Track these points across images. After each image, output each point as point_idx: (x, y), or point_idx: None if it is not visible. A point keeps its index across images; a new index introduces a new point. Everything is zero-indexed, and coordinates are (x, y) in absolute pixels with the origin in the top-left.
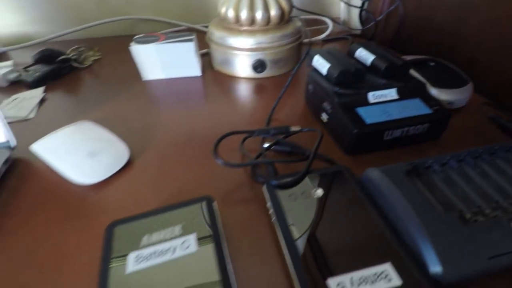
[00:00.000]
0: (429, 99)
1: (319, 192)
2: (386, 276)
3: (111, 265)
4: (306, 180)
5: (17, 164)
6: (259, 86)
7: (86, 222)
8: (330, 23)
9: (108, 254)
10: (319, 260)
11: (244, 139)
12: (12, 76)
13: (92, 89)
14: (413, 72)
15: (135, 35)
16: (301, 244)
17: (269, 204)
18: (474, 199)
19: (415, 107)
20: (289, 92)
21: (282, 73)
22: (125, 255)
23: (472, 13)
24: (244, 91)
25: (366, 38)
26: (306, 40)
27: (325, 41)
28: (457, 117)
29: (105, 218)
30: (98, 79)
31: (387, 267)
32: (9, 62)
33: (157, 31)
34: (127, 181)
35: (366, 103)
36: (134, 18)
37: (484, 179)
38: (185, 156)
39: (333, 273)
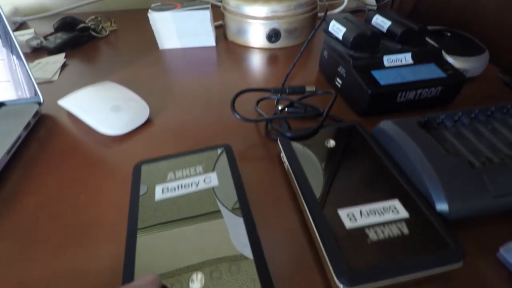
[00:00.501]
0: (443, 64)
1: (332, 143)
2: (394, 210)
3: (140, 195)
4: (319, 135)
5: (44, 118)
6: (273, 57)
7: (112, 166)
8: None
9: (137, 187)
10: (331, 198)
11: (259, 101)
12: (35, 42)
13: (111, 56)
14: (429, 40)
15: (148, 8)
16: (313, 185)
17: (283, 154)
18: (483, 151)
19: (430, 71)
20: (303, 62)
21: (296, 44)
22: (153, 187)
23: None
24: (258, 61)
25: None
26: (321, 14)
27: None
28: (471, 84)
29: (130, 163)
30: (116, 47)
31: (395, 202)
32: (30, 30)
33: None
34: (148, 135)
35: (381, 66)
36: None
37: (494, 135)
38: (202, 115)
39: (343, 207)
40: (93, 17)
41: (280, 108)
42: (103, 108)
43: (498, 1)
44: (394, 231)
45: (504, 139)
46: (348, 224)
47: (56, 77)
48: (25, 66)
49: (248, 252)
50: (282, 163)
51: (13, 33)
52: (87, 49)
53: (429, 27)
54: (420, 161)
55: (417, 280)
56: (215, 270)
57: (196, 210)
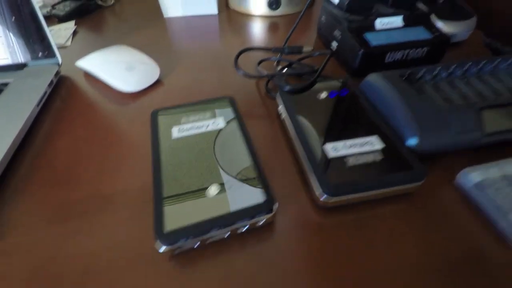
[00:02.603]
0: (431, 27)
1: (324, 94)
2: (372, 143)
3: (159, 135)
4: (314, 89)
5: (63, 79)
6: (274, 24)
7: (130, 116)
8: None
9: (156, 129)
10: (319, 136)
11: (260, 62)
12: (44, 11)
13: (117, 24)
14: (421, 6)
15: None
16: (305, 128)
17: (281, 106)
18: (455, 99)
19: (418, 33)
20: (303, 27)
21: (297, 11)
22: (170, 129)
23: None
24: (258, 28)
25: None
26: None
27: None
28: (458, 47)
29: (146, 114)
30: (121, 16)
31: (374, 138)
32: None
33: None
34: (159, 92)
35: (373, 29)
36: None
37: (467, 86)
38: (206, 76)
39: (329, 141)
40: None
41: (279, 68)
42: (119, 67)
43: None
44: (369, 158)
45: (475, 89)
46: (332, 154)
47: (69, 43)
48: (44, 29)
49: (252, 170)
50: (279, 117)
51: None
52: (95, 17)
53: None
54: (398, 104)
55: (387, 195)
56: (227, 183)
57: (208, 144)
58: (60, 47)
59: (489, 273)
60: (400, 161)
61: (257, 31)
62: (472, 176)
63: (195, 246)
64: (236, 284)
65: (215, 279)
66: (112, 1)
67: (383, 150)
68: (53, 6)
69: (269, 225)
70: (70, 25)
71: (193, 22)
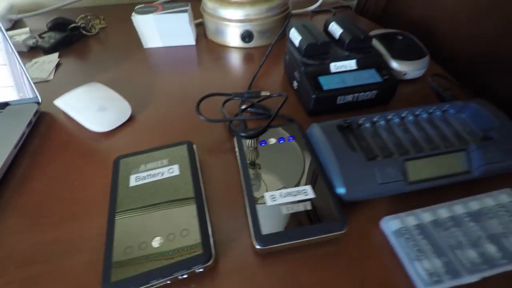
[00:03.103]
0: (382, 69)
1: (273, 141)
2: (305, 192)
3: (118, 182)
4: (268, 132)
5: (43, 116)
6: (248, 55)
7: (100, 157)
8: None
9: (116, 176)
10: (262, 184)
11: (225, 102)
12: (31, 42)
13: (100, 55)
14: (378, 45)
15: (136, 3)
16: (251, 174)
17: (236, 150)
18: (389, 147)
19: (369, 76)
20: (274, 61)
21: (269, 43)
22: (128, 176)
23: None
24: (233, 59)
25: (359, 10)
26: (296, 11)
27: (314, 12)
28: (410, 86)
29: (114, 155)
30: (104, 46)
31: (307, 188)
32: (26, 29)
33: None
34: (130, 131)
35: (328, 72)
36: None
37: (404, 133)
38: (178, 113)
39: (270, 190)
40: (83, 15)
41: (243, 108)
42: (91, 108)
43: (453, 4)
44: (301, 207)
45: (410, 136)
46: (270, 202)
47: (51, 77)
48: (23, 70)
49: (195, 222)
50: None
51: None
52: (79, 47)
53: (384, 31)
54: (330, 156)
55: (315, 242)
56: (171, 234)
57: (161, 194)
58: (43, 81)
59: None
60: (326, 211)
61: (232, 61)
62: (391, 224)
63: None
64: None
65: None
66: (97, 30)
67: (313, 200)
68: (40, 35)
69: (211, 270)
70: (54, 58)
71: (172, 52)
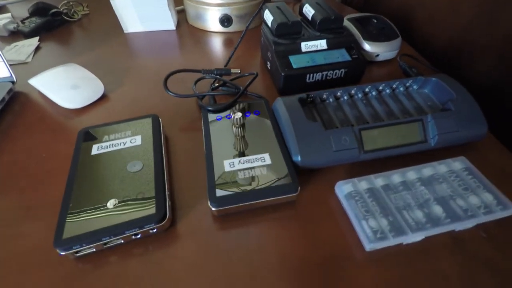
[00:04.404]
0: (352, 49)
1: (239, 115)
2: (262, 159)
3: (80, 152)
4: (235, 108)
5: (18, 95)
6: (227, 40)
7: (69, 133)
8: None
9: (79, 146)
10: (223, 153)
11: (197, 81)
12: (11, 26)
13: (81, 39)
14: (352, 28)
15: None
16: (214, 144)
17: (202, 123)
18: (350, 119)
19: (339, 56)
20: (253, 45)
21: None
22: (91, 146)
23: None
24: (213, 43)
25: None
26: None
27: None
28: (382, 67)
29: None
30: (86, 31)
31: (265, 155)
32: (7, 14)
33: None
34: (102, 108)
35: (298, 51)
36: None
37: (366, 107)
38: (152, 92)
39: (228, 158)
40: (65, 1)
41: (214, 86)
42: (64, 86)
43: None
44: (257, 172)
45: (372, 109)
46: (228, 168)
47: (30, 59)
48: None
49: (151, 185)
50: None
51: None
52: (60, 32)
53: (360, 14)
54: (288, 126)
55: (271, 203)
56: (126, 196)
57: (120, 162)
58: (21, 63)
59: (344, 267)
60: (281, 176)
61: (212, 45)
62: (344, 188)
63: (95, 250)
64: (126, 279)
65: (109, 275)
66: (80, 16)
67: (270, 166)
68: (22, 21)
69: (167, 230)
70: (34, 42)
71: (152, 36)
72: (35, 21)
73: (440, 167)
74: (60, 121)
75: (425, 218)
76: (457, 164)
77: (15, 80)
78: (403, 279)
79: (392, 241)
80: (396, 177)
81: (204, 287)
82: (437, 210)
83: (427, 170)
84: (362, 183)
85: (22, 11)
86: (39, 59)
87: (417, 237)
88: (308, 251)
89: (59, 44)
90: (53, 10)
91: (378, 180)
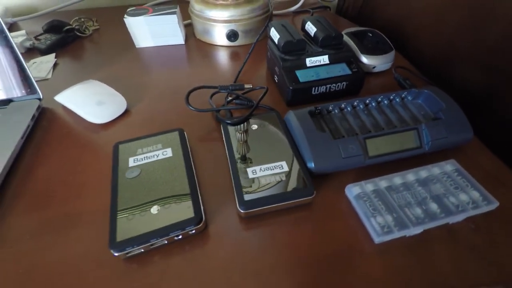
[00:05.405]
0: (351, 64)
1: (255, 127)
2: (280, 167)
3: (119, 163)
4: (251, 120)
5: (44, 111)
6: (234, 53)
7: (98, 146)
8: None
9: (116, 158)
10: (245, 162)
11: (212, 95)
12: (28, 43)
13: (94, 55)
14: (350, 42)
15: (128, 5)
16: (236, 154)
17: (223, 135)
18: (354, 128)
19: (340, 70)
20: (259, 58)
21: (253, 41)
22: (127, 158)
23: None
24: (220, 57)
25: (338, 11)
26: (279, 12)
27: (296, 12)
28: (379, 78)
29: (111, 144)
30: (98, 46)
31: (282, 163)
32: (22, 32)
33: (147, 1)
34: (126, 122)
35: (304, 67)
36: None
37: (368, 117)
38: (170, 105)
39: (251, 166)
40: (77, 18)
41: (228, 99)
42: (90, 102)
43: (419, 4)
44: (277, 179)
45: (373, 119)
46: (251, 175)
47: (50, 75)
48: (27, 69)
49: (187, 192)
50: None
51: (14, 42)
52: (74, 48)
53: (356, 29)
54: (302, 137)
55: (291, 206)
56: (167, 203)
57: (156, 172)
58: (42, 80)
59: (357, 258)
60: (298, 181)
61: (219, 59)
62: (353, 190)
63: (142, 251)
64: (170, 275)
65: (156, 272)
66: (91, 31)
67: (288, 173)
68: (36, 37)
69: (202, 232)
70: (51, 58)
71: (163, 51)
72: (50, 38)
73: (434, 169)
74: (88, 135)
75: (423, 213)
76: (448, 166)
77: (41, 97)
78: (408, 266)
79: (397, 234)
80: (397, 179)
81: (236, 279)
82: (433, 206)
83: (423, 172)
84: (369, 185)
85: (33, 27)
86: (58, 75)
87: (418, 230)
88: (324, 246)
89: (75, 60)
90: (67, 27)
91: (382, 182)
